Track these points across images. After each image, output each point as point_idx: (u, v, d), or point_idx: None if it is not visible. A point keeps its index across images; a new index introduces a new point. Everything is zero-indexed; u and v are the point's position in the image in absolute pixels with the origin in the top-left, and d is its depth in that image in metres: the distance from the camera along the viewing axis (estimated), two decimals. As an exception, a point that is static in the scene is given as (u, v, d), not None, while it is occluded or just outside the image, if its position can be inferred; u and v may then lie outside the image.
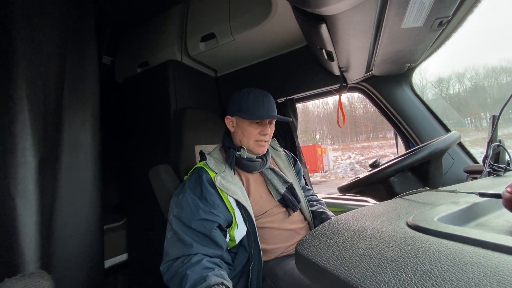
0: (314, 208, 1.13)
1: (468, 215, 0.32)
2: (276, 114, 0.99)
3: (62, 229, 0.95)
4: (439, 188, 0.42)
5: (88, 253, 1.06)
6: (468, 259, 0.21)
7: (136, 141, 1.71)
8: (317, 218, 1.08)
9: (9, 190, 0.72)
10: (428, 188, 0.81)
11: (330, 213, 1.08)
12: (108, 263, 1.64)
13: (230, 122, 1.02)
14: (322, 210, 1.10)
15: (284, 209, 1.01)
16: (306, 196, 1.20)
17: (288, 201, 0.98)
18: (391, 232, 0.28)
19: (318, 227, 0.35)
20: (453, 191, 0.38)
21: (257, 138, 0.98)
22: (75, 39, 1.04)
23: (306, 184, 1.55)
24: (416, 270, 0.21)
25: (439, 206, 0.34)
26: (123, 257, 1.74)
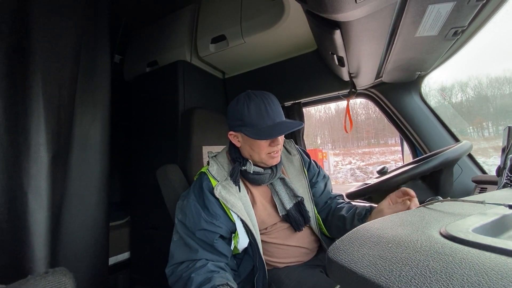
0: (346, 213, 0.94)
1: (500, 227, 0.32)
2: (284, 118, 0.88)
3: (69, 225, 0.96)
4: (465, 198, 0.42)
5: (93, 249, 1.07)
6: None
7: (143, 140, 1.71)
8: (353, 218, 0.89)
9: (22, 185, 0.72)
10: (454, 198, 0.81)
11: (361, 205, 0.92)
12: (110, 260, 1.63)
13: (234, 137, 0.91)
14: (352, 210, 0.92)
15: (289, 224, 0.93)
16: (338, 205, 1.01)
17: (292, 219, 0.90)
18: (427, 241, 0.28)
19: (347, 234, 0.34)
20: (481, 202, 0.38)
21: (269, 150, 0.86)
22: (89, 38, 1.05)
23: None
24: (463, 282, 0.20)
25: (469, 216, 0.34)
26: (125, 255, 1.73)
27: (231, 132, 0.91)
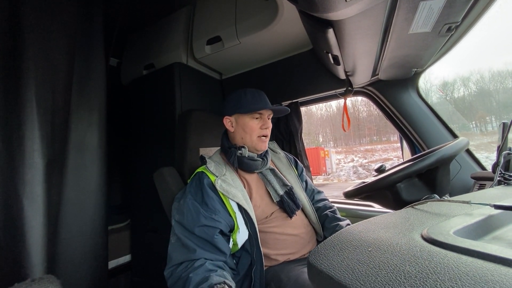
0: (325, 220, 1.07)
1: (484, 228, 0.32)
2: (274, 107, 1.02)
3: (68, 230, 0.96)
4: (451, 198, 0.41)
5: (93, 253, 1.07)
6: (489, 277, 0.20)
7: (141, 143, 1.72)
8: (329, 231, 1.02)
9: (17, 191, 0.73)
10: (441, 198, 0.81)
11: (344, 222, 1.02)
12: (111, 264, 1.64)
13: (229, 122, 1.03)
14: (335, 223, 1.02)
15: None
16: (318, 201, 1.18)
17: (286, 204, 0.97)
18: (406, 245, 0.27)
19: (330, 237, 0.34)
20: (467, 202, 0.37)
21: (259, 133, 0.99)
22: (83, 42, 1.05)
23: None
24: (436, 287, 0.20)
25: (453, 218, 0.33)
26: (126, 258, 1.74)
27: (226, 117, 1.03)
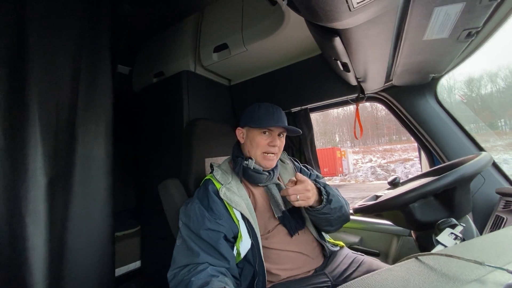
0: None
1: None
2: (287, 125, 0.99)
3: (74, 242, 0.97)
4: (462, 256, 0.35)
5: (99, 264, 1.08)
6: None
7: (151, 151, 1.73)
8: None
9: (20, 210, 0.74)
10: (461, 218, 0.74)
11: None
12: (122, 270, 1.66)
13: (240, 133, 1.05)
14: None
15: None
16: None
17: (287, 221, 0.95)
18: None
19: None
20: (480, 264, 0.31)
21: (265, 149, 0.98)
22: (89, 55, 1.06)
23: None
24: None
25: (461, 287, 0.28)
26: (137, 264, 1.76)
27: (238, 128, 1.06)
